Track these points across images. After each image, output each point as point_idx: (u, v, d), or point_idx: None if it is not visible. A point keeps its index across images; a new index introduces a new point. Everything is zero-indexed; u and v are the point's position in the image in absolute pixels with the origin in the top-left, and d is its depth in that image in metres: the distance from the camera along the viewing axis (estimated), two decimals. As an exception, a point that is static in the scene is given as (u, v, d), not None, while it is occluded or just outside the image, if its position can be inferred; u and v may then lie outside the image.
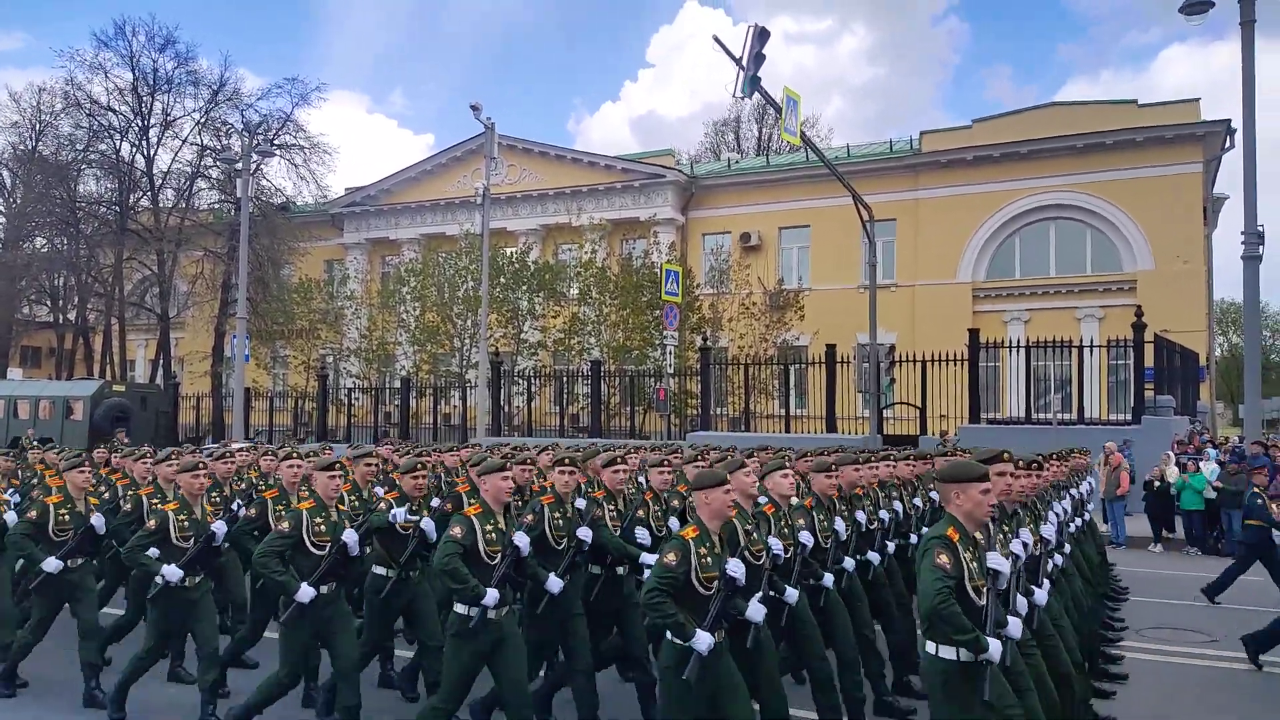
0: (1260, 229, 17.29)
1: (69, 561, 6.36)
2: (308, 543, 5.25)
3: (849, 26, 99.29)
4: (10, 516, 6.78)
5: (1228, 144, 25.95)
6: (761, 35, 15.45)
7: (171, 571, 5.58)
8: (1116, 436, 17.84)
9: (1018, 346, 21.24)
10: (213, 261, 33.73)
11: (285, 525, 5.28)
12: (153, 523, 5.75)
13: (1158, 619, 9.35)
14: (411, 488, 6.19)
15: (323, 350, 33.54)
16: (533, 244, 33.82)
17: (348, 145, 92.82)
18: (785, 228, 31.86)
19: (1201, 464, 14.85)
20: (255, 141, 29.63)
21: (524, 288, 29.52)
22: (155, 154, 34.55)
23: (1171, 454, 15.65)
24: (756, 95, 16.38)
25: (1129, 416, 19.66)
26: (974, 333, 21.11)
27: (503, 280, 29.13)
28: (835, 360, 22.17)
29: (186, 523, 5.79)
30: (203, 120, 34.36)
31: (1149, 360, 19.69)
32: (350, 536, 5.30)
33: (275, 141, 33.49)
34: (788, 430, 23.27)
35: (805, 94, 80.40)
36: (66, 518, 6.41)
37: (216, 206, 36.05)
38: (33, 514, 6.40)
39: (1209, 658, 7.93)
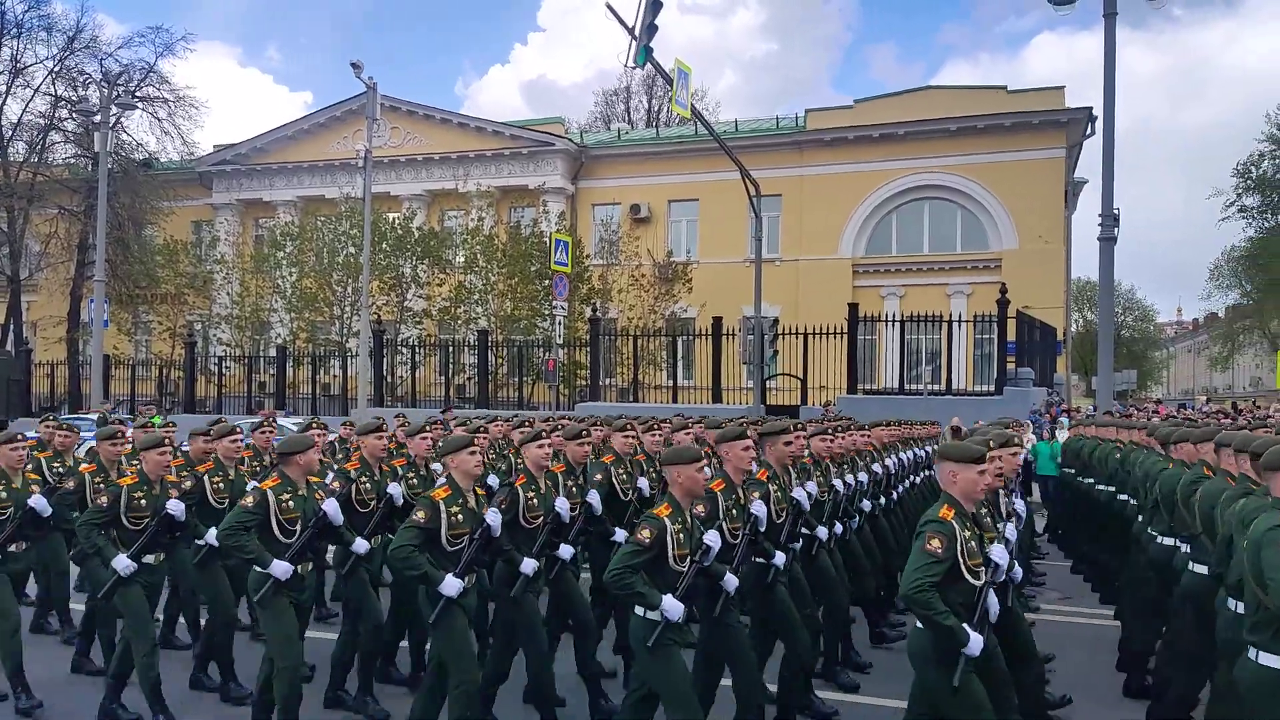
0: (1116, 212, 18.44)
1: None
2: (274, 524, 4.98)
3: (743, 1, 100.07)
4: (38, 500, 5.80)
5: (1089, 131, 27.55)
6: (654, 5, 15.37)
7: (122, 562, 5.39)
8: (981, 407, 18.85)
9: (893, 321, 22.09)
10: (68, 220, 31.43)
11: (250, 500, 5.03)
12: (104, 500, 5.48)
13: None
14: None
15: (190, 316, 31.84)
16: (417, 210, 32.93)
17: (218, 101, 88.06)
18: (674, 200, 32.07)
19: (1057, 432, 15.86)
20: (115, 93, 27.64)
21: (408, 254, 28.74)
22: (3, 104, 31.79)
23: (1029, 422, 16.63)
24: (648, 66, 16.34)
25: (992, 387, 20.81)
26: (853, 307, 21.84)
27: (385, 246, 28.28)
28: (721, 332, 22.55)
29: (144, 500, 5.54)
30: (57, 69, 31.73)
31: (1011, 335, 20.84)
32: (330, 506, 5.11)
33: (137, 94, 31.33)
34: (675, 401, 23.57)
35: (699, 67, 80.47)
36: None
37: (72, 162, 33.48)
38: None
39: (1064, 614, 8.52)
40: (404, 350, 26.51)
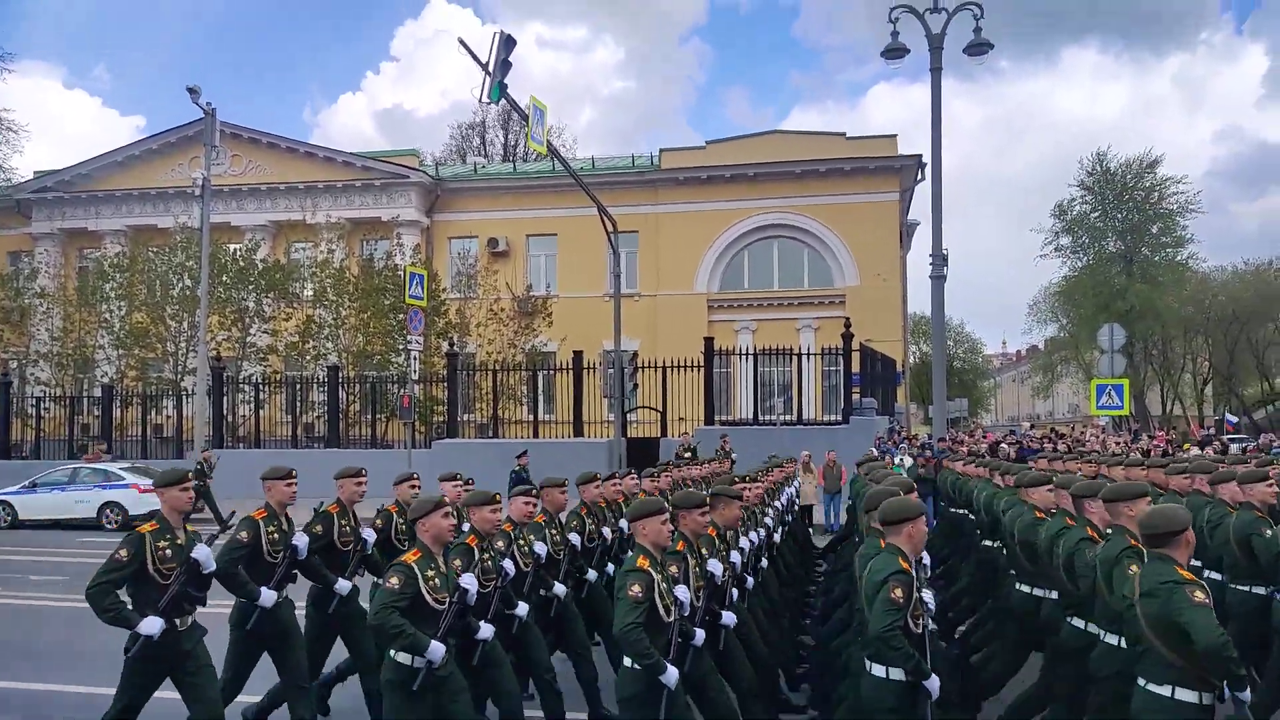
0: (945, 252, 19.82)
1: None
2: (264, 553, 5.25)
3: (600, 38, 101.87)
4: (202, 550, 5.00)
5: (920, 176, 29.55)
6: (508, 43, 15.42)
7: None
8: (830, 436, 19.67)
9: (746, 354, 22.81)
10: None
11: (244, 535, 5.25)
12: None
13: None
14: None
15: (4, 354, 29.15)
16: (261, 241, 31.50)
17: (39, 124, 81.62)
18: (533, 235, 32.07)
19: (898, 457, 16.74)
20: (-87, 109, 25.17)
21: (251, 287, 27.40)
22: None
23: (874, 449, 17.49)
24: (503, 101, 16.34)
25: (840, 417, 21.77)
26: (709, 341, 22.41)
27: (226, 279, 26.86)
28: (582, 366, 22.62)
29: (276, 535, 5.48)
30: None
31: (856, 366, 21.93)
32: (300, 540, 5.19)
33: (-58, 112, 28.66)
34: (536, 435, 23.41)
35: (557, 101, 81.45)
36: (276, 536, 5.46)
37: None
38: (244, 535, 5.37)
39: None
40: (246, 388, 25.16)
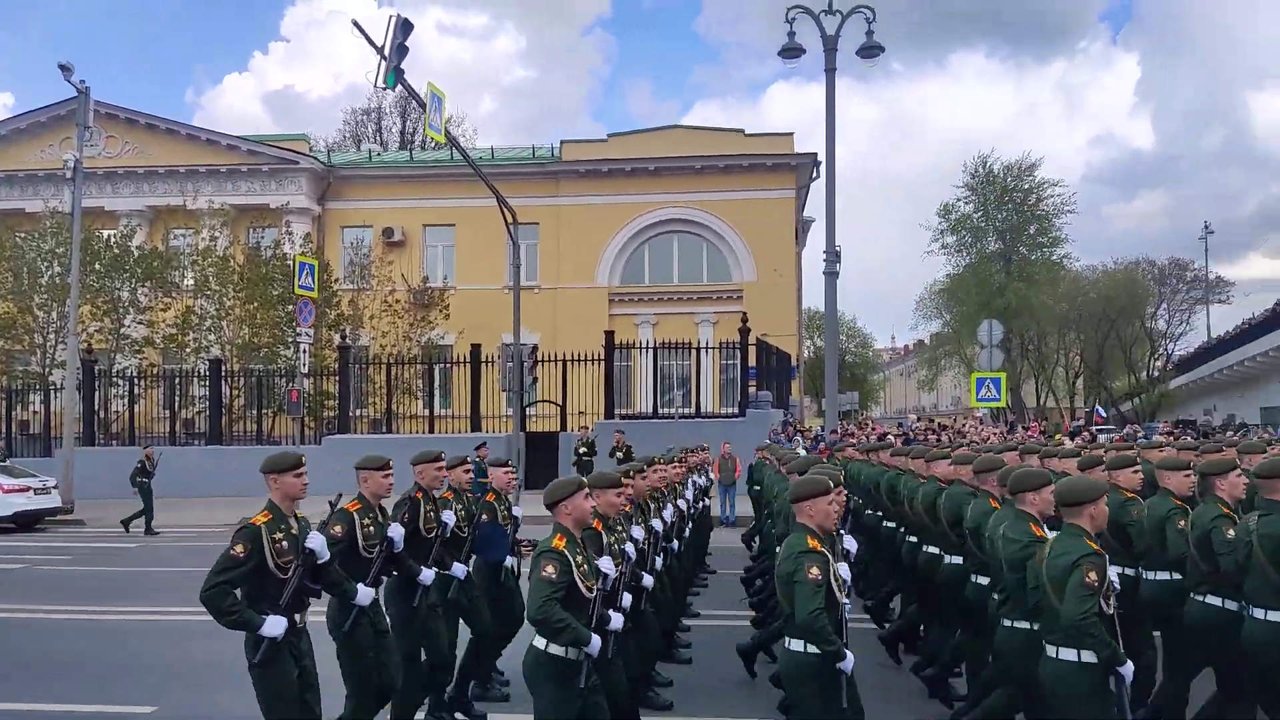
0: (838, 249, 20.35)
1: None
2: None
3: (502, 26, 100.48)
4: (315, 538, 4.51)
5: (815, 174, 30.26)
6: (405, 27, 15.01)
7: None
8: (727, 428, 19.98)
9: (647, 348, 22.95)
10: None
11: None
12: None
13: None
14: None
15: None
16: (138, 227, 29.87)
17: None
18: (430, 225, 31.42)
19: (792, 449, 17.11)
20: None
21: (126, 276, 25.93)
22: None
23: (769, 440, 17.83)
24: (399, 88, 15.92)
25: (736, 410, 22.15)
26: (609, 334, 22.45)
27: (99, 267, 25.36)
28: (480, 359, 22.31)
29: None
30: None
31: (752, 360, 22.36)
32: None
33: None
34: (431, 430, 22.98)
35: (457, 90, 79.98)
36: (371, 529, 5.15)
37: None
38: (338, 529, 4.99)
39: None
40: (120, 382, 23.83)
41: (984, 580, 5.35)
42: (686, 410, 22.43)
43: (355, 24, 14.28)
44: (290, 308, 22.85)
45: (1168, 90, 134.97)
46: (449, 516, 5.72)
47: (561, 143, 31.50)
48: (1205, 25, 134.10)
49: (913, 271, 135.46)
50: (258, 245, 29.17)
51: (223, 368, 23.29)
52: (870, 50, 19.30)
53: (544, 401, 22.90)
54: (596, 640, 4.02)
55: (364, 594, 4.76)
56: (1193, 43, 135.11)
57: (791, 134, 30.93)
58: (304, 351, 19.87)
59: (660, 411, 22.29)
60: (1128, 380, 49.83)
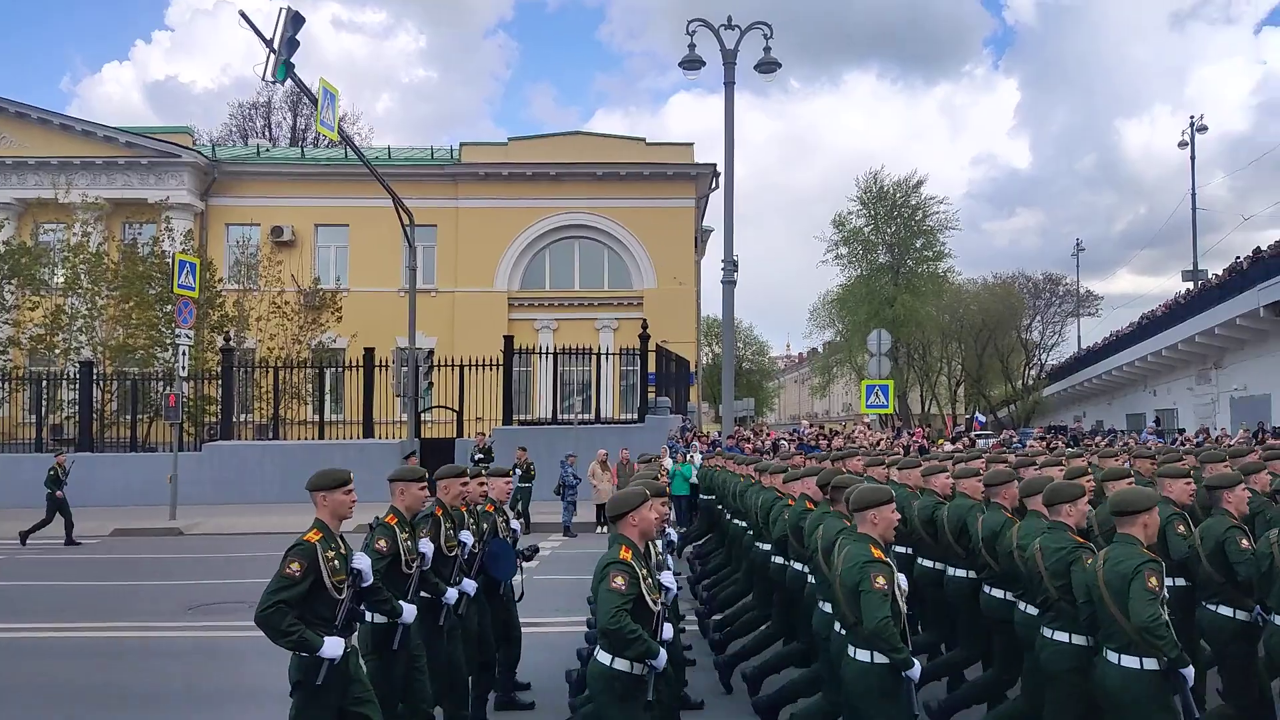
0: (735, 259, 20.73)
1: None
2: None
3: (402, 24, 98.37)
4: (361, 559, 4.40)
5: (714, 185, 30.73)
6: (295, 20, 14.57)
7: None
8: (625, 434, 20.04)
9: (546, 353, 22.82)
10: None
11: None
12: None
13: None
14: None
15: None
16: (4, 221, 27.92)
17: None
18: (322, 225, 30.45)
19: (689, 455, 17.30)
20: None
21: (-11, 272, 24.21)
22: None
23: (667, 447, 18.01)
24: (290, 82, 15.42)
25: (636, 416, 22.26)
26: (509, 339, 22.24)
27: (-43, 262, 23.60)
28: (374, 364, 21.77)
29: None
30: None
31: (652, 367, 22.51)
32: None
33: None
34: (322, 436, 22.28)
35: (353, 87, 77.99)
36: (410, 544, 5.02)
37: None
38: (382, 543, 4.84)
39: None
40: (-20, 385, 22.23)
41: (999, 592, 5.38)
42: (586, 416, 22.41)
43: (242, 14, 13.78)
44: (169, 308, 21.76)
45: (1044, 115, 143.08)
46: (467, 536, 5.55)
47: (461, 145, 31.06)
48: (1080, 55, 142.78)
49: (807, 281, 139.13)
50: (135, 242, 27.67)
51: (94, 370, 22.02)
52: (768, 66, 19.79)
53: (440, 407, 22.50)
54: (663, 654, 3.98)
55: (408, 611, 4.67)
56: (1068, 71, 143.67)
57: (692, 145, 31.34)
58: (183, 354, 18.91)
59: (560, 417, 22.19)
60: (1005, 388, 52.40)
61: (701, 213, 33.49)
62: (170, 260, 21.78)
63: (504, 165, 30.14)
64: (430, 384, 21.68)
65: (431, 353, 24.58)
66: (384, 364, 21.57)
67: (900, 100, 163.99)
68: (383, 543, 4.81)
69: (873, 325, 30.29)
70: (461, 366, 21.57)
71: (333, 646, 3.95)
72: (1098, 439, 24.91)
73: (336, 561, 4.11)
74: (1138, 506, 4.12)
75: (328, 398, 23.29)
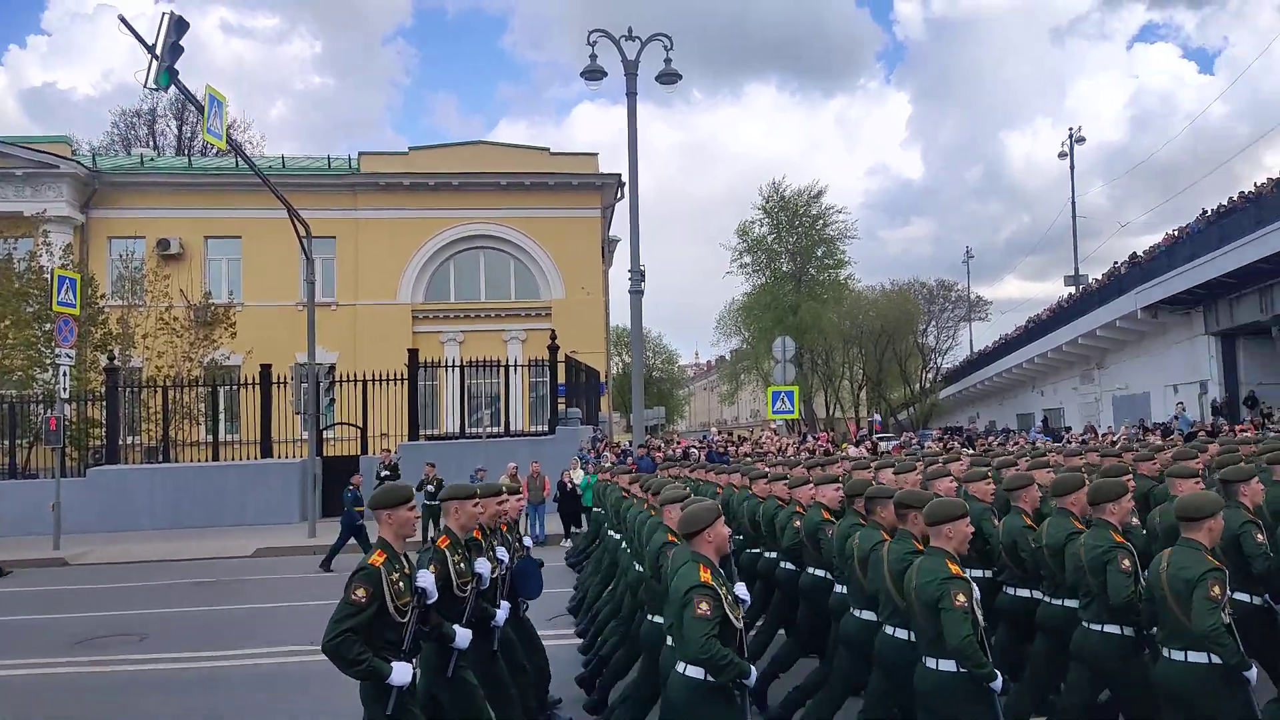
0: (642, 268, 20.82)
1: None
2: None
3: (295, 30, 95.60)
4: (425, 577, 4.24)
5: (619, 194, 30.85)
6: (179, 25, 14.00)
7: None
8: (536, 447, 19.89)
9: (453, 366, 22.44)
10: None
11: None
12: None
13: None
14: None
15: None
16: None
17: None
18: (212, 237, 29.25)
19: (601, 464, 17.26)
20: None
21: None
22: None
23: (578, 458, 17.93)
24: (174, 89, 14.79)
25: (546, 427, 22.09)
26: (413, 353, 21.78)
27: None
28: (271, 381, 21.03)
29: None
30: None
31: (562, 377, 22.39)
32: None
33: None
34: (216, 457, 21.36)
35: (244, 94, 75.40)
36: (463, 566, 4.86)
37: None
38: (432, 569, 4.49)
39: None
40: None
41: (1024, 592, 5.53)
42: (495, 429, 22.14)
43: (122, 19, 13.17)
44: (49, 326, 20.52)
45: (934, 127, 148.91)
46: (483, 565, 5.09)
47: (360, 154, 30.34)
48: (965, 69, 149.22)
49: (714, 290, 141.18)
50: (9, 257, 25.99)
51: (-37, 394, 20.58)
52: (669, 77, 20.00)
53: (343, 424, 21.86)
54: (754, 671, 3.94)
55: (462, 636, 4.46)
56: (955, 85, 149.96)
57: (596, 154, 31.41)
58: (64, 374, 17.83)
59: (468, 431, 21.83)
60: (904, 391, 54.20)
61: (608, 222, 33.57)
62: (49, 276, 20.51)
63: (405, 175, 29.57)
64: (332, 400, 21.02)
65: (333, 368, 23.88)
66: (282, 381, 20.83)
67: (800, 112, 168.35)
68: (432, 568, 4.52)
69: (777, 332, 30.86)
70: (365, 382, 21.02)
71: (401, 673, 3.84)
72: (990, 439, 25.99)
73: (401, 583, 3.97)
74: (1202, 512, 4.18)
75: (222, 417, 22.36)
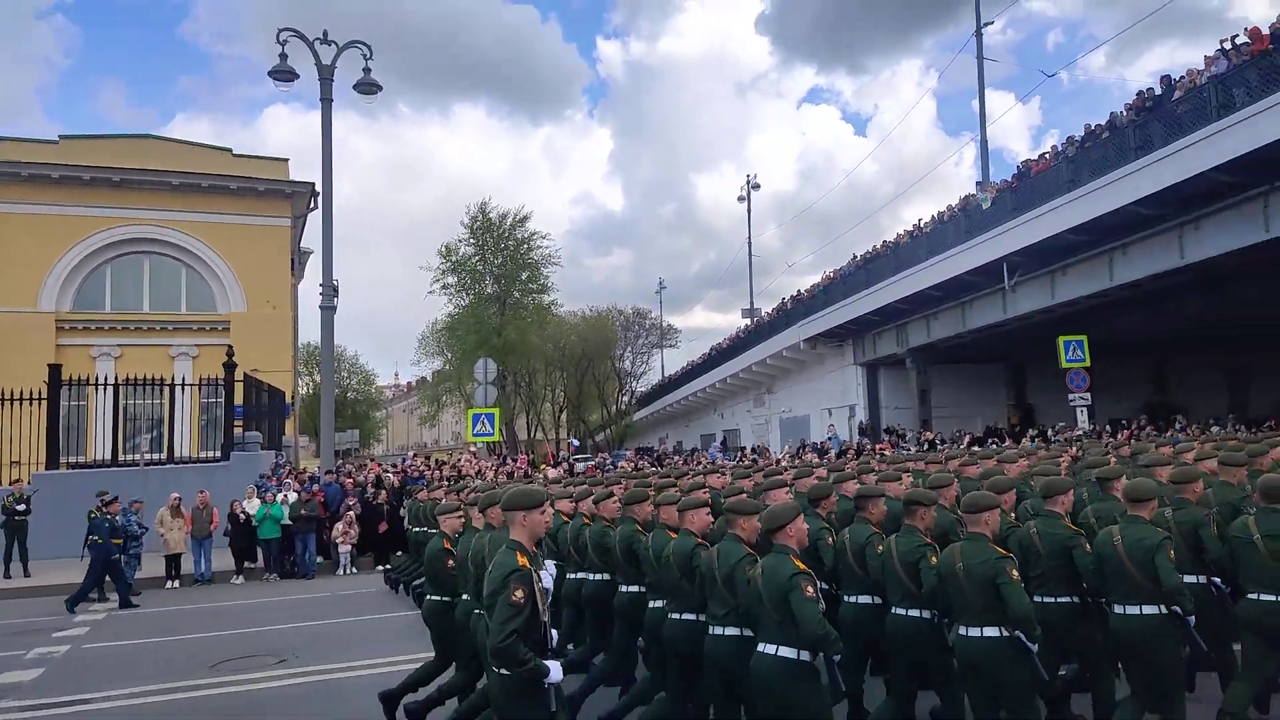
0: (336, 283, 19.81)
1: None
2: None
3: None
4: (548, 577, 4.28)
5: (313, 204, 29.11)
6: None
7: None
8: (207, 475, 18.08)
9: (107, 384, 19.79)
10: None
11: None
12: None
13: (249, 648, 9.64)
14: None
15: None
16: None
17: None
18: None
19: (282, 494, 16.05)
20: None
21: None
22: None
23: (255, 486, 16.52)
24: None
25: (219, 453, 20.15)
26: (55, 368, 19.00)
27: None
28: None
29: None
30: None
31: (239, 398, 20.55)
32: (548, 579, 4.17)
33: None
34: None
35: None
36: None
37: None
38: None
39: (285, 677, 8.49)
40: None
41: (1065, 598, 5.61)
42: (157, 455, 19.82)
43: None
44: None
45: (633, 163, 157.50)
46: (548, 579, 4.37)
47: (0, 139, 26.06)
48: (662, 112, 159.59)
49: (418, 309, 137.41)
50: None
51: None
52: (368, 86, 19.35)
53: (-42, 451, 18.47)
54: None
55: (555, 670, 3.95)
56: (652, 125, 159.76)
57: (287, 160, 29.42)
58: None
59: (124, 458, 19.34)
60: (601, 413, 56.33)
61: (299, 233, 31.59)
62: None
63: (54, 166, 25.82)
64: (-57, 423, 17.70)
65: (-53, 385, 20.13)
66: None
67: (509, 137, 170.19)
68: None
69: (481, 354, 30.68)
70: (-9, 401, 17.94)
71: (556, 670, 3.94)
72: (676, 458, 27.75)
73: (539, 584, 4.05)
74: (1149, 494, 5.19)
75: None
